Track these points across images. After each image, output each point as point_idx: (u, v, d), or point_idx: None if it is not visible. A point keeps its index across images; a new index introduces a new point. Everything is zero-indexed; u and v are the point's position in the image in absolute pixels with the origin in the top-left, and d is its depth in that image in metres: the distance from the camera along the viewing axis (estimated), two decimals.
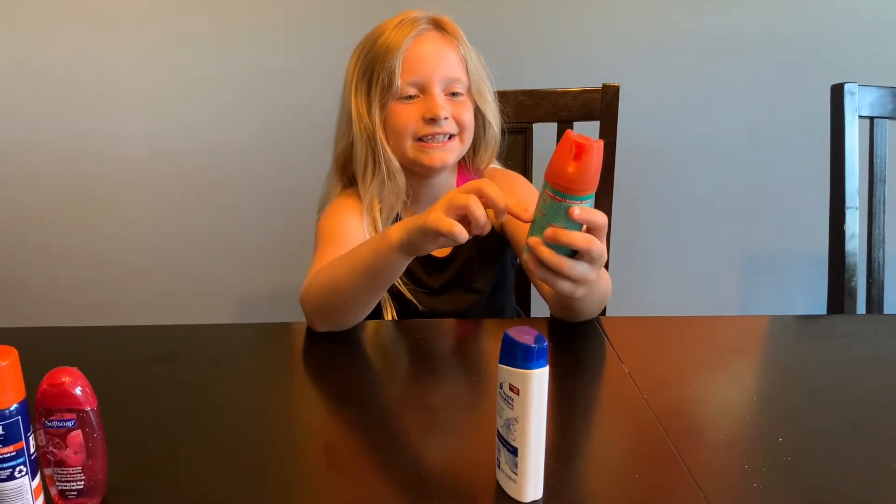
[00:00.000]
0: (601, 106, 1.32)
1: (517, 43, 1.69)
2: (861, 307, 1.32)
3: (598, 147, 0.72)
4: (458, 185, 1.18)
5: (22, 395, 0.58)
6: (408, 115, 1.07)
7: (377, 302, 0.98)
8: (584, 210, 0.73)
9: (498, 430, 0.64)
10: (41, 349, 0.91)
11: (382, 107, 1.08)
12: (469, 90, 1.11)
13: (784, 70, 1.77)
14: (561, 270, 0.75)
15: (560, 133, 1.34)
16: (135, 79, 1.70)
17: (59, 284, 1.82)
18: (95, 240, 1.79)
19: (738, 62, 1.76)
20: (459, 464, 0.72)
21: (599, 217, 0.75)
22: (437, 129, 1.07)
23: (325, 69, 1.65)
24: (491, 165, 1.21)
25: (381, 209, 1.12)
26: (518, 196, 1.16)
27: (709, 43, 1.74)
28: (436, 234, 0.80)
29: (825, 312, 1.33)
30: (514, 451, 0.62)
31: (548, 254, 0.74)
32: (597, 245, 0.75)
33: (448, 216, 0.78)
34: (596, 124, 1.33)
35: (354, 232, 1.09)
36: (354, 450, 0.75)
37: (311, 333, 0.98)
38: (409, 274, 1.12)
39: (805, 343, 1.02)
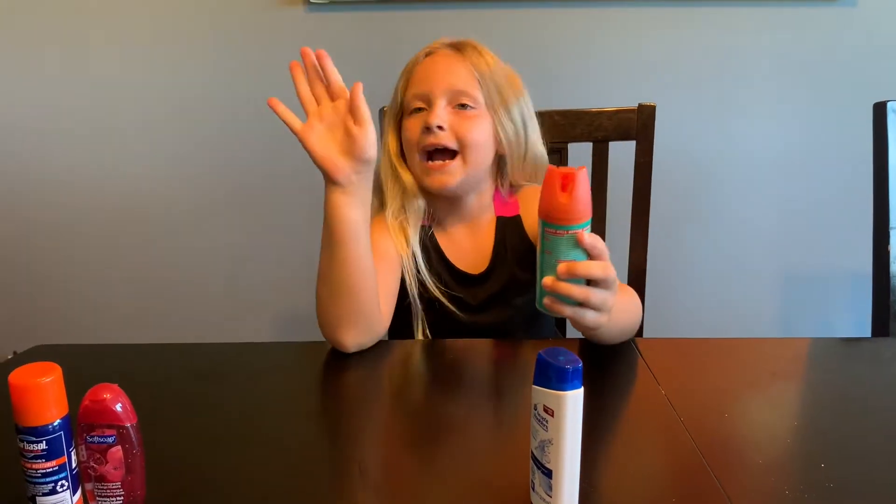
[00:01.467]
0: (637, 126, 1.32)
1: (552, 63, 1.69)
2: None
3: (583, 174, 0.74)
4: (496, 213, 1.17)
5: (65, 410, 0.59)
6: (413, 127, 1.09)
7: (361, 275, 0.95)
8: (590, 235, 0.74)
9: (532, 452, 0.63)
10: (84, 366, 0.94)
11: (397, 124, 1.12)
12: (486, 106, 1.09)
13: (825, 87, 1.75)
14: (588, 301, 0.75)
15: (596, 153, 1.34)
16: (167, 96, 1.74)
17: (102, 304, 1.85)
18: (138, 260, 1.83)
19: (779, 80, 1.74)
20: (494, 485, 0.71)
21: (602, 242, 0.75)
22: (433, 139, 1.06)
23: (366, 92, 1.69)
24: (529, 184, 1.20)
25: (406, 219, 1.13)
26: None
27: (747, 61, 1.73)
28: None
29: (869, 335, 1.30)
30: (548, 474, 0.61)
31: (570, 288, 0.75)
32: (611, 269, 0.75)
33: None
34: (632, 144, 1.33)
35: (387, 248, 1.10)
36: (389, 471, 0.75)
37: (346, 353, 0.99)
38: (447, 285, 1.12)
39: (848, 366, 1.00)
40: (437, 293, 1.11)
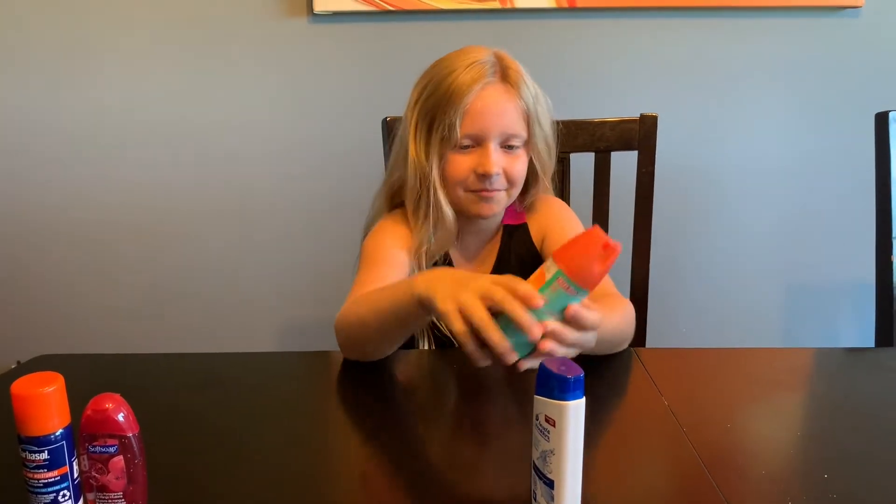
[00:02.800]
0: (639, 136, 1.32)
1: (555, 73, 1.70)
2: None
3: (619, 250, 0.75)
4: (503, 221, 1.18)
5: (67, 420, 0.59)
6: (462, 167, 1.07)
7: (406, 339, 0.98)
8: (589, 309, 0.77)
9: (534, 462, 0.63)
10: (86, 376, 0.94)
11: (441, 156, 1.08)
12: (526, 143, 1.10)
13: (828, 97, 1.75)
14: (586, 345, 0.79)
15: (598, 163, 1.34)
16: (169, 106, 1.75)
17: (106, 314, 1.86)
18: (142, 271, 1.83)
19: (782, 90, 1.75)
20: (496, 496, 0.71)
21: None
22: (487, 186, 1.07)
23: (370, 103, 1.70)
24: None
25: (427, 248, 1.12)
26: (560, 225, 1.17)
27: (750, 71, 1.73)
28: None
29: (873, 344, 1.29)
30: (550, 484, 0.61)
31: (573, 336, 0.77)
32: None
33: (461, 319, 0.76)
34: (634, 154, 1.33)
35: (397, 255, 1.10)
36: (391, 480, 0.75)
37: (350, 363, 0.99)
38: None
39: (852, 376, 0.99)
40: None
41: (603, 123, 1.33)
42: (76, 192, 1.79)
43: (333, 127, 1.75)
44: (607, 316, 0.87)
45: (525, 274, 1.13)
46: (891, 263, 1.26)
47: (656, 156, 1.33)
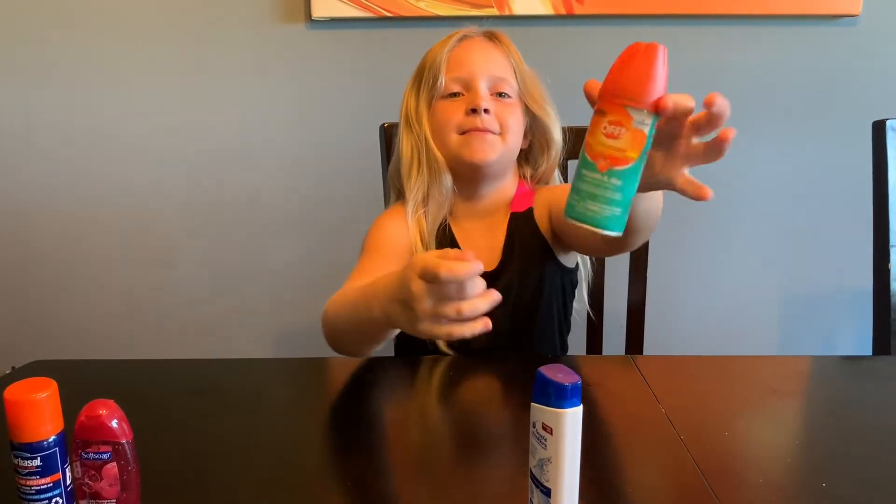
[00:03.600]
0: None
1: (553, 80, 1.69)
2: None
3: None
4: (511, 209, 1.17)
5: (60, 426, 0.59)
6: (451, 110, 1.09)
7: (383, 343, 0.98)
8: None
9: (531, 471, 0.63)
10: (80, 382, 0.93)
11: (429, 104, 1.10)
12: (519, 95, 1.11)
13: (825, 105, 1.75)
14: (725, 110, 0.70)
15: None
16: (165, 112, 1.75)
17: (98, 318, 1.85)
18: (137, 276, 1.83)
19: (779, 98, 1.75)
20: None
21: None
22: (479, 123, 1.06)
23: (367, 108, 1.70)
24: (552, 182, 1.21)
25: (426, 211, 1.12)
26: (562, 189, 1.15)
27: (748, 80, 1.74)
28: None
29: (870, 353, 1.29)
30: (547, 492, 0.61)
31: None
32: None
33: (434, 330, 0.72)
34: None
35: (397, 242, 1.11)
36: (386, 488, 0.74)
37: (346, 369, 0.98)
38: None
39: (850, 384, 0.99)
40: None
41: None
42: (71, 197, 1.78)
43: (331, 133, 1.75)
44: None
45: (531, 261, 1.13)
46: (888, 272, 1.26)
47: None
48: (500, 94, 1.09)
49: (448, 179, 1.11)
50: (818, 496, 0.69)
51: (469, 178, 1.13)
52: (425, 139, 1.10)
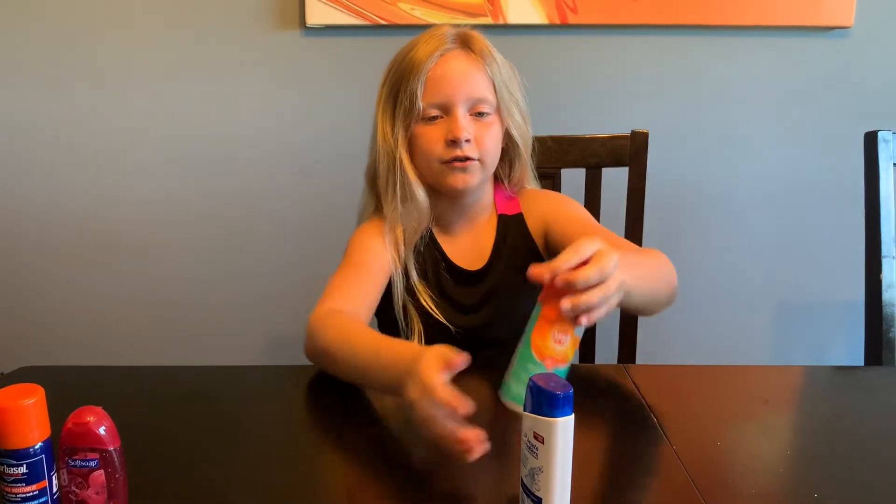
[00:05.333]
0: (630, 152, 1.32)
1: (546, 89, 1.70)
2: None
3: None
4: (496, 204, 1.17)
5: (47, 433, 0.58)
6: (431, 138, 1.06)
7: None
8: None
9: (522, 480, 0.63)
10: (67, 388, 0.92)
11: (406, 128, 1.07)
12: (497, 109, 1.09)
13: (818, 116, 1.76)
14: (612, 291, 0.74)
15: (589, 179, 1.34)
16: (160, 118, 1.74)
17: (86, 324, 1.84)
18: (125, 283, 1.82)
19: (771, 109, 1.76)
20: None
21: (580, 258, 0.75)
22: (459, 153, 1.04)
23: (361, 116, 1.70)
24: (528, 186, 1.20)
25: (403, 230, 1.11)
26: (564, 210, 1.16)
27: (740, 90, 1.74)
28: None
29: (862, 363, 1.29)
30: (538, 502, 0.60)
31: (592, 274, 0.73)
32: (606, 263, 0.74)
33: (432, 421, 0.71)
34: (625, 170, 1.33)
35: (378, 258, 1.10)
36: (376, 496, 0.74)
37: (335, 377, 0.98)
38: (439, 292, 1.12)
39: (842, 395, 0.99)
40: (428, 304, 1.10)
41: (594, 139, 1.33)
42: (62, 203, 1.77)
43: (325, 140, 1.75)
44: (630, 257, 0.86)
45: (520, 266, 1.13)
46: (880, 282, 1.26)
47: (647, 172, 1.33)
48: (480, 114, 1.07)
49: (423, 203, 1.09)
50: None
51: (451, 197, 1.13)
52: (400, 165, 1.08)
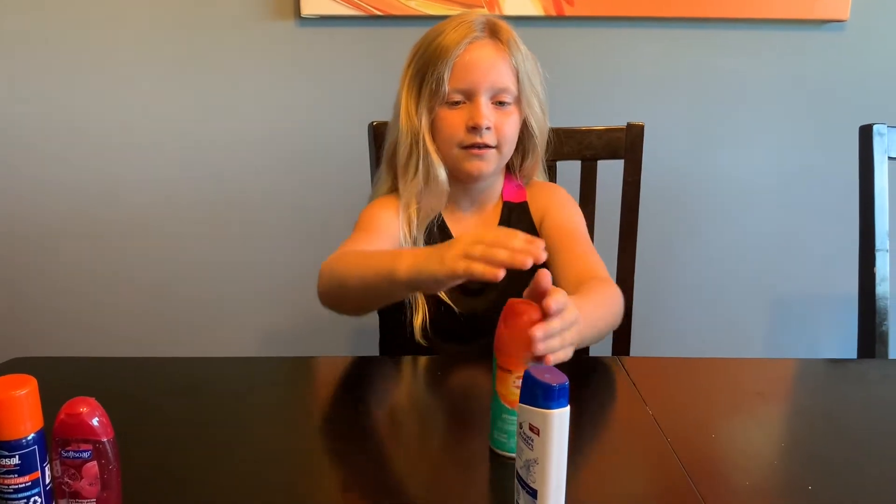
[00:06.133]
0: (625, 145, 1.32)
1: (551, 82, 1.69)
2: (893, 352, 1.29)
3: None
4: (503, 194, 1.20)
5: (39, 424, 0.58)
6: (453, 123, 1.09)
7: (381, 306, 1.03)
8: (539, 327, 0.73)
9: (517, 472, 0.63)
10: (60, 379, 0.92)
11: (430, 110, 1.10)
12: (518, 100, 1.12)
13: (813, 110, 1.76)
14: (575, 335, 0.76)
15: (584, 171, 1.34)
16: (155, 110, 1.73)
17: (80, 315, 1.83)
18: (120, 274, 1.81)
19: (767, 102, 1.76)
20: None
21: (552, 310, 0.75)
22: (478, 139, 1.08)
23: (356, 107, 1.70)
24: (536, 178, 1.23)
25: (418, 209, 1.13)
26: (560, 208, 1.19)
27: (736, 83, 1.74)
28: (449, 280, 0.76)
29: (855, 356, 1.30)
30: (533, 494, 0.60)
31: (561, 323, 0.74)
32: (568, 315, 0.75)
33: (463, 260, 0.73)
34: (620, 163, 1.33)
35: (389, 227, 1.12)
36: (373, 489, 0.74)
37: (331, 368, 0.98)
38: None
39: (835, 387, 0.99)
40: None
41: (590, 132, 1.32)
42: (57, 193, 1.76)
43: (320, 131, 1.74)
44: (586, 306, 0.87)
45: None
46: (874, 276, 1.26)
47: (642, 165, 1.33)
48: (501, 103, 1.10)
49: (444, 183, 1.12)
50: (804, 498, 0.69)
51: (463, 181, 1.15)
52: (424, 144, 1.10)
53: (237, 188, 1.77)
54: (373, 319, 1.27)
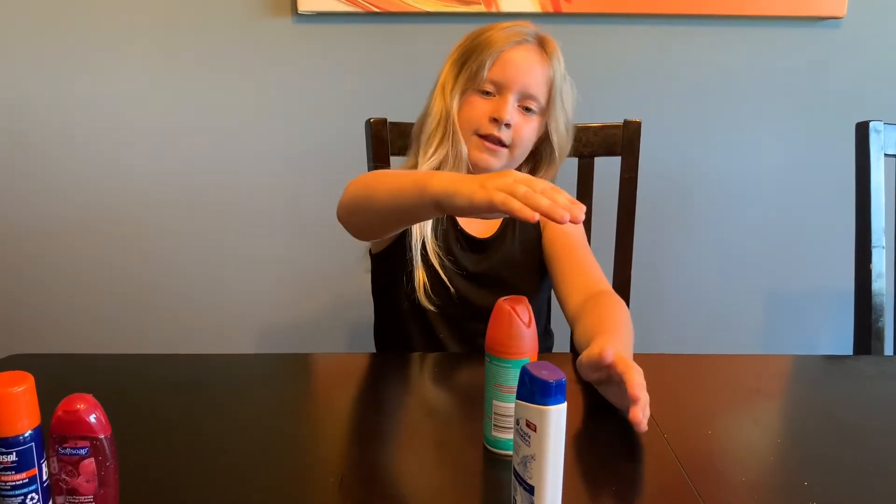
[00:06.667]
0: (622, 141, 1.32)
1: None
2: (889, 348, 1.29)
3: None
4: None
5: (37, 421, 0.58)
6: (479, 109, 1.13)
7: (404, 228, 1.06)
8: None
9: (514, 468, 0.63)
10: (58, 376, 0.92)
11: (463, 92, 1.14)
12: (544, 112, 1.16)
13: (809, 106, 1.76)
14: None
15: (581, 168, 1.34)
16: (151, 106, 1.73)
17: (77, 312, 1.83)
18: (118, 271, 1.81)
19: (763, 99, 1.76)
20: (476, 502, 0.70)
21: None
22: (496, 132, 1.11)
23: (353, 104, 1.69)
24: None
25: None
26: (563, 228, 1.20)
27: (733, 80, 1.74)
28: (483, 207, 0.74)
29: (851, 352, 1.30)
30: (530, 490, 0.60)
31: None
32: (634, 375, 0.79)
33: (503, 195, 0.71)
34: (617, 160, 1.33)
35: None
36: (370, 485, 0.74)
37: (327, 365, 0.98)
38: (447, 250, 1.16)
39: (831, 384, 1.00)
40: (435, 261, 1.14)
41: (586, 129, 1.32)
42: (54, 191, 1.76)
43: (316, 127, 1.74)
44: (623, 338, 0.94)
45: (525, 242, 1.19)
46: (870, 272, 1.26)
47: (639, 162, 1.33)
48: (526, 109, 1.14)
49: (465, 157, 1.14)
50: (800, 494, 0.69)
51: (470, 171, 1.17)
52: (452, 121, 1.14)
53: (232, 184, 1.77)
54: (368, 315, 1.28)
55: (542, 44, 1.15)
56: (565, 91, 1.17)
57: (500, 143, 1.12)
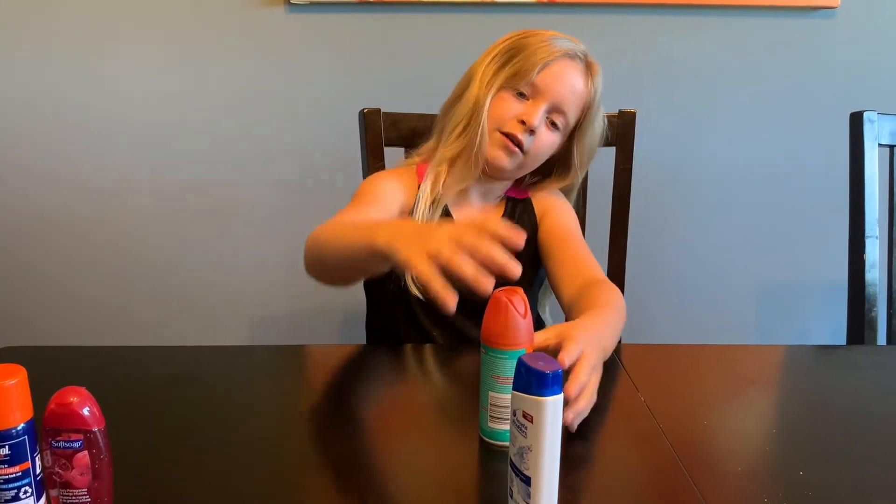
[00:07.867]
0: (617, 132, 1.32)
1: None
2: (882, 338, 1.29)
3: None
4: (507, 193, 1.23)
5: (29, 414, 0.57)
6: (509, 108, 1.12)
7: (362, 278, 1.04)
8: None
9: (511, 459, 0.62)
10: (51, 368, 0.91)
11: (499, 88, 1.13)
12: (568, 132, 1.16)
13: (803, 97, 1.76)
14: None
15: None
16: (144, 97, 1.72)
17: (71, 303, 1.82)
18: (111, 263, 1.80)
19: (758, 90, 1.76)
20: (472, 493, 0.70)
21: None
22: (519, 135, 1.11)
23: (346, 94, 1.69)
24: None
25: (450, 172, 1.15)
26: (560, 210, 1.22)
27: (727, 70, 1.74)
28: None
29: (844, 342, 1.31)
30: (526, 481, 0.60)
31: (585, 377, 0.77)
32: (590, 369, 0.78)
33: (429, 264, 0.66)
34: (612, 150, 1.33)
35: (386, 199, 1.14)
36: (366, 476, 0.74)
37: (322, 357, 0.97)
38: None
39: (825, 373, 1.00)
40: None
41: None
42: (51, 184, 1.74)
43: (309, 118, 1.73)
44: (604, 319, 0.92)
45: (526, 245, 1.16)
46: (863, 262, 1.27)
47: (634, 153, 1.33)
48: (553, 123, 1.14)
49: (486, 148, 1.13)
50: (795, 483, 0.69)
51: (481, 164, 1.16)
52: (482, 112, 1.13)
53: (225, 176, 1.76)
54: (360, 308, 1.27)
55: (588, 66, 1.16)
56: (596, 122, 1.19)
57: (520, 147, 1.12)
